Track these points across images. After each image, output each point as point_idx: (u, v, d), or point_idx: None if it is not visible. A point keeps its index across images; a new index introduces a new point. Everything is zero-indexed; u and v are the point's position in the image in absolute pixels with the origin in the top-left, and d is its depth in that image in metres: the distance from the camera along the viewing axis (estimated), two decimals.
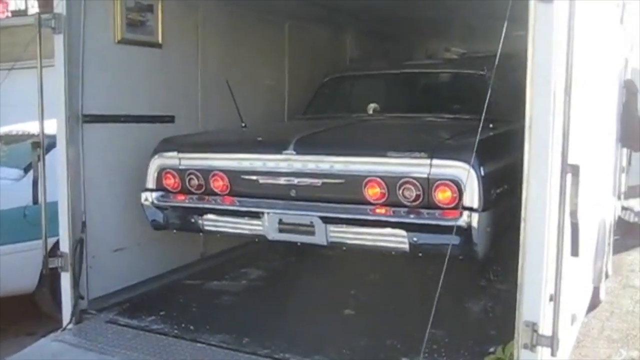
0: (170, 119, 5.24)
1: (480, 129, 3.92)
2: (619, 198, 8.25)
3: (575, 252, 3.09)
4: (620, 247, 8.19)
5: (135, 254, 5.04)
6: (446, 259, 3.29)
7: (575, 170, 2.97)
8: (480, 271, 5.16)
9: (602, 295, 6.38)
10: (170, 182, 4.57)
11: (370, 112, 5.52)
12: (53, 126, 4.42)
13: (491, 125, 4.25)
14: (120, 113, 4.84)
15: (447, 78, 5.91)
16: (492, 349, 3.92)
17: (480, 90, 5.12)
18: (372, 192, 3.88)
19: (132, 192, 4.82)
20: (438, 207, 3.74)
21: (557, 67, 2.95)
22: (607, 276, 6.80)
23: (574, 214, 3.02)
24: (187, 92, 5.48)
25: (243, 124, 5.14)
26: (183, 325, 4.38)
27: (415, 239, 3.83)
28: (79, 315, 4.44)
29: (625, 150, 7.83)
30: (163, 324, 4.42)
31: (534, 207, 3.03)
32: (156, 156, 4.61)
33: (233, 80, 5.30)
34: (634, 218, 9.74)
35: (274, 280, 5.53)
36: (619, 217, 8.75)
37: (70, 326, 4.36)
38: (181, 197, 4.55)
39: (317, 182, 4.04)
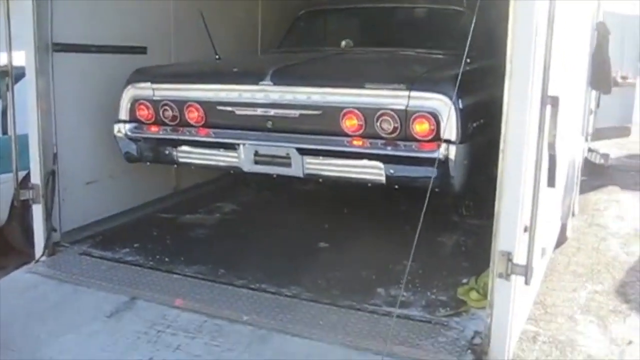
0: (142, 50, 5.12)
1: (462, 63, 3.95)
2: (587, 140, 8.38)
3: (552, 183, 3.13)
4: (586, 187, 8.36)
5: (108, 187, 4.99)
6: (428, 192, 3.28)
7: (554, 101, 2.98)
8: (453, 206, 5.21)
9: (569, 232, 6.53)
10: (143, 113, 4.48)
11: (344, 45, 5.45)
12: (23, 57, 4.29)
13: (468, 60, 4.23)
14: (92, 43, 4.70)
15: (424, 13, 5.83)
16: (465, 280, 4.00)
17: (457, 26, 5.12)
18: (349, 123, 3.86)
19: (105, 124, 4.73)
20: (415, 140, 3.74)
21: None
22: (573, 214, 6.95)
23: (552, 145, 3.05)
24: (160, 23, 5.34)
25: (217, 56, 5.04)
26: (158, 257, 4.38)
27: (391, 170, 3.84)
28: (51, 248, 4.41)
29: (594, 92, 7.90)
30: (138, 255, 4.41)
31: (512, 139, 3.04)
32: (129, 87, 4.51)
33: (206, 12, 5.16)
34: (599, 160, 9.93)
35: (248, 214, 5.53)
36: (586, 158, 8.91)
37: (43, 258, 4.33)
38: (155, 129, 4.48)
39: (294, 113, 4.00)
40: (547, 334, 4.49)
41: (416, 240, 3.29)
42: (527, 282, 3.15)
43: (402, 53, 5.02)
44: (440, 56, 4.72)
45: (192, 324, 3.49)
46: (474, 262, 4.32)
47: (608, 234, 6.95)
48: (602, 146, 10.34)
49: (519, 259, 3.14)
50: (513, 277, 3.15)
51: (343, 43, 5.45)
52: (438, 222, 5.18)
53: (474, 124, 3.87)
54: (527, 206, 3.11)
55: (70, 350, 3.34)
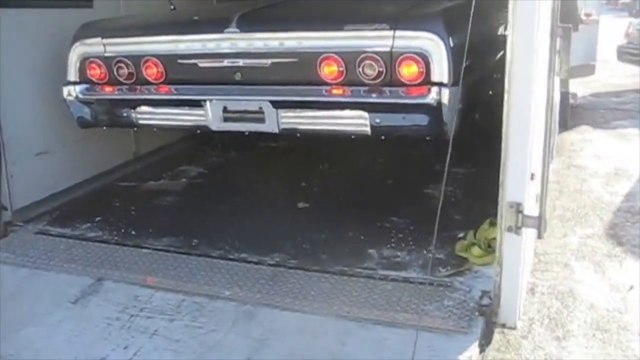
0: (88, 3, 4.63)
1: None
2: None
3: (564, 124, 2.82)
4: (559, 128, 8.17)
5: (61, 157, 4.56)
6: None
7: (566, 32, 2.66)
8: (437, 154, 4.90)
9: (550, 176, 6.31)
10: (95, 72, 4.02)
11: None
12: None
13: None
14: None
15: None
16: (461, 234, 3.72)
17: None
18: (329, 70, 3.47)
19: (53, 87, 4.26)
20: (402, 84, 3.38)
21: None
22: (552, 157, 6.73)
23: (564, 82, 2.73)
24: None
25: (172, 7, 4.58)
26: (123, 230, 4.01)
27: (377, 120, 3.49)
28: (3, 228, 4.03)
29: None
30: (101, 230, 4.04)
31: (519, 77, 2.72)
32: (77, 44, 4.03)
33: None
34: (572, 99, 9.75)
35: (217, 177, 5.14)
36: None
37: None
38: (109, 89, 4.02)
39: (265, 62, 3.59)
40: (545, 285, 4.24)
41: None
42: (540, 235, 2.88)
43: None
44: None
45: (168, 305, 3.15)
46: (467, 214, 4.06)
47: (588, 174, 6.74)
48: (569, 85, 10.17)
49: (530, 209, 2.86)
50: (524, 230, 2.86)
51: None
52: (422, 173, 4.90)
53: (464, 65, 3.52)
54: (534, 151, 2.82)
55: (32, 344, 2.95)
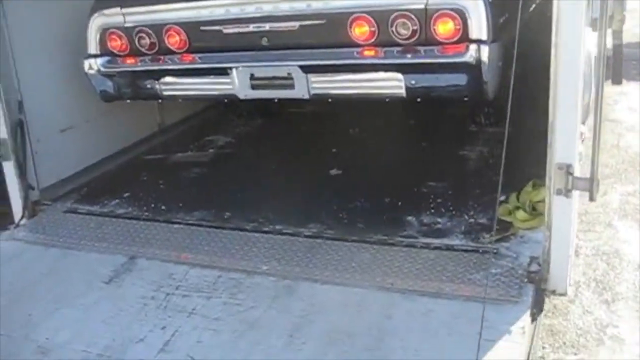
0: None
1: None
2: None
3: (618, 79, 2.65)
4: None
5: (86, 133, 4.46)
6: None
7: None
8: (471, 115, 4.73)
9: (586, 132, 6.10)
10: (116, 44, 3.89)
11: None
12: None
13: None
14: None
15: None
16: (502, 198, 3.56)
17: None
18: (360, 31, 3.31)
19: (73, 60, 4.14)
20: (439, 43, 3.21)
21: None
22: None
23: (617, 34, 2.56)
24: None
25: None
26: (153, 205, 3.91)
27: (413, 81, 3.32)
28: (31, 208, 3.95)
29: None
30: (130, 207, 3.94)
31: (567, 30, 2.54)
32: (95, 15, 3.89)
33: None
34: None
35: (245, 146, 5.00)
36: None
37: (23, 221, 3.87)
38: (132, 60, 3.89)
39: (293, 25, 3.43)
40: (589, 246, 4.10)
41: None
42: (592, 198, 2.72)
43: None
44: None
45: (204, 282, 3.05)
46: (507, 176, 3.86)
47: (624, 129, 6.51)
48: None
49: (581, 170, 2.70)
50: (574, 193, 2.71)
51: None
52: (456, 134, 4.75)
53: (502, 19, 3.34)
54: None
55: (67, 326, 2.87)
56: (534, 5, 5.10)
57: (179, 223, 3.61)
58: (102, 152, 4.60)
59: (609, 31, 2.52)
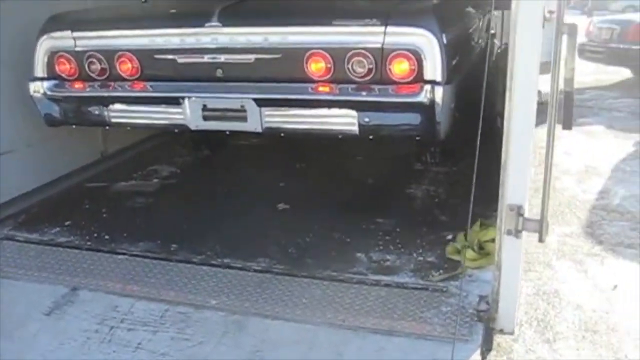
0: None
1: None
2: None
3: (568, 125, 2.75)
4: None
5: (26, 157, 4.31)
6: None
7: (572, 30, 2.57)
8: (417, 154, 4.81)
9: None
10: (64, 67, 3.80)
11: None
12: None
13: None
14: None
15: None
16: (449, 236, 3.62)
17: None
18: (316, 67, 3.34)
19: (16, 82, 4.03)
20: (393, 82, 3.27)
21: None
22: None
23: (569, 81, 2.66)
24: None
25: None
26: (96, 235, 3.78)
27: (366, 119, 3.36)
28: None
29: None
30: (72, 235, 3.80)
31: (521, 76, 2.63)
32: (44, 37, 3.80)
33: None
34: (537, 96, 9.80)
35: (190, 177, 4.93)
36: None
37: None
38: (80, 85, 3.81)
39: (249, 58, 3.43)
40: (530, 285, 4.19)
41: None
42: (541, 239, 2.78)
43: None
44: None
45: (151, 315, 2.96)
46: (453, 215, 3.98)
47: (560, 172, 6.74)
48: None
49: (530, 212, 2.77)
50: (524, 234, 2.77)
51: None
52: (402, 172, 4.82)
53: (455, 61, 3.43)
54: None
55: None
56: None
57: (124, 254, 3.50)
58: (41, 178, 4.45)
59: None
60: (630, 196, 5.71)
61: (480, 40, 4.84)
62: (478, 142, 2.64)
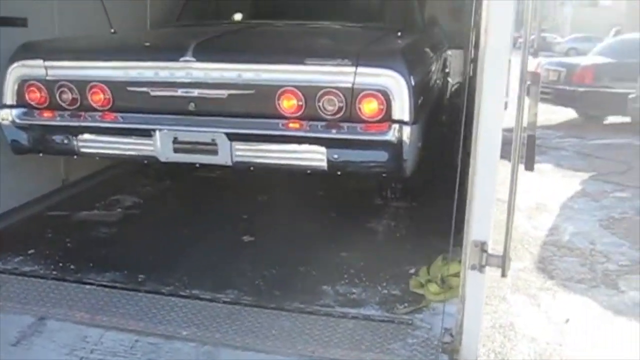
0: (22, 22, 4.35)
1: (400, 36, 3.63)
2: None
3: (530, 166, 2.90)
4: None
5: None
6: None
7: (535, 78, 2.74)
8: (377, 188, 4.93)
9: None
10: (35, 96, 3.80)
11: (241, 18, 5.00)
12: None
13: (399, 34, 3.95)
14: None
15: None
16: (412, 270, 3.73)
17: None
18: (288, 104, 3.44)
19: None
20: (362, 120, 3.39)
21: None
22: None
23: (532, 125, 2.82)
24: None
25: (112, 30, 4.39)
26: (61, 264, 3.75)
27: (335, 156, 3.47)
28: None
29: None
30: (36, 264, 3.75)
31: (487, 119, 2.77)
32: (15, 65, 3.80)
33: None
34: None
35: (153, 207, 4.93)
36: None
37: None
38: (50, 114, 3.81)
39: (222, 93, 3.51)
40: (487, 318, 4.32)
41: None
42: (504, 274, 2.91)
43: (326, 26, 4.62)
44: (368, 30, 4.38)
45: (121, 345, 2.95)
46: (415, 250, 4.09)
47: None
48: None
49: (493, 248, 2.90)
50: (488, 269, 2.90)
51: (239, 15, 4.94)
52: (363, 207, 4.92)
53: (421, 101, 3.58)
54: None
55: None
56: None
57: (91, 284, 3.48)
58: (1, 205, 4.40)
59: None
60: (579, 233, 5.96)
61: (437, 81, 5.02)
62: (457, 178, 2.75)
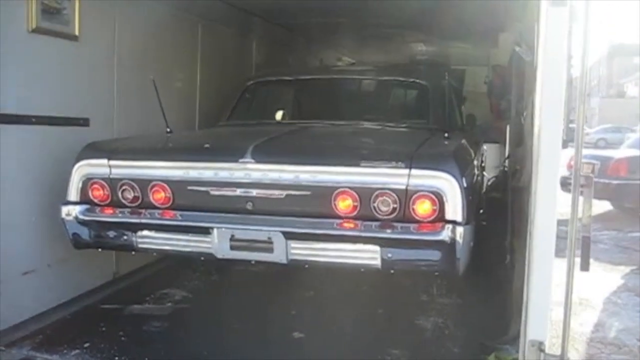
0: (85, 122, 4.61)
1: (450, 138, 3.77)
2: None
3: (585, 266, 2.95)
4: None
5: (45, 277, 4.39)
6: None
7: (589, 181, 2.83)
8: (424, 285, 4.97)
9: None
10: (98, 193, 3.97)
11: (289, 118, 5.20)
12: None
13: (446, 135, 4.10)
14: (31, 113, 4.16)
15: (386, 85, 5.67)
16: None
17: (422, 99, 5.02)
18: (343, 204, 3.54)
19: (44, 204, 4.23)
20: (416, 220, 3.48)
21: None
22: None
23: (586, 227, 2.89)
24: (103, 93, 4.85)
25: (168, 129, 4.60)
26: (117, 358, 3.83)
27: (389, 255, 3.53)
28: None
29: None
30: (93, 358, 3.83)
31: (541, 219, 2.86)
32: (81, 163, 3.99)
33: (145, 82, 4.69)
34: None
35: (202, 302, 5.00)
36: None
37: None
38: (111, 211, 3.96)
39: (279, 193, 3.63)
40: None
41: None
42: None
43: (374, 127, 4.80)
44: (416, 130, 4.54)
45: None
46: (464, 347, 4.09)
47: (554, 304, 6.89)
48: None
49: (551, 348, 2.93)
50: None
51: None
52: (409, 303, 4.93)
53: (470, 201, 3.67)
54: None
55: None
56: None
57: None
58: (57, 298, 4.52)
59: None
60: (625, 329, 5.85)
61: (478, 177, 5.13)
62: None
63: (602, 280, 7.66)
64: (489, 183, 7.04)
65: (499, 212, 5.35)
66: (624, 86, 55.72)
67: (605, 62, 59.37)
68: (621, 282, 7.58)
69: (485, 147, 6.52)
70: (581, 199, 2.84)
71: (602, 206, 12.40)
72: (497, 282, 4.78)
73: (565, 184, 10.76)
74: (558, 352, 2.92)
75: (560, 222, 2.95)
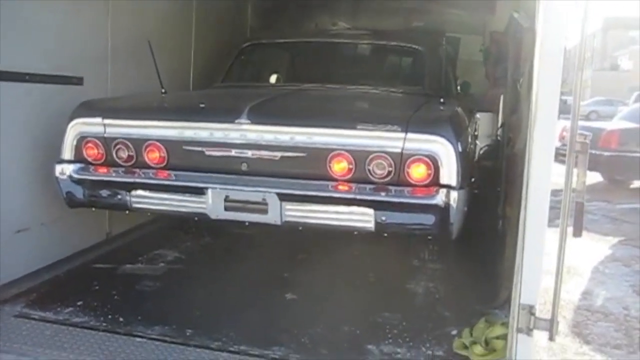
0: (79, 81, 4.57)
1: (445, 103, 3.77)
2: None
3: (578, 232, 2.98)
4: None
5: (39, 236, 4.40)
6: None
7: (584, 148, 2.84)
8: (415, 250, 5.00)
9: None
10: (92, 152, 3.95)
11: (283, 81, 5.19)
12: None
13: (441, 100, 4.10)
14: (24, 71, 4.12)
15: (383, 50, 5.64)
16: (454, 332, 3.78)
17: (418, 65, 5.00)
18: (339, 167, 3.55)
19: (39, 163, 4.22)
20: (410, 184, 3.49)
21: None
22: None
23: (580, 193, 2.91)
24: (97, 52, 4.81)
25: (163, 90, 4.57)
26: (110, 316, 3.84)
27: (383, 217, 3.55)
28: None
29: None
30: (86, 316, 3.84)
31: (536, 185, 2.88)
32: (75, 122, 3.96)
33: (140, 42, 4.65)
34: None
35: (195, 263, 5.03)
36: None
37: None
38: (105, 170, 3.95)
39: (274, 155, 3.63)
40: None
41: None
42: (551, 338, 2.96)
43: (370, 91, 4.79)
44: (413, 96, 4.53)
45: None
46: (455, 311, 4.13)
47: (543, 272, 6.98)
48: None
49: (540, 313, 2.97)
50: (536, 332, 2.95)
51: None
52: (400, 268, 4.97)
53: (465, 167, 3.69)
54: None
55: None
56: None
57: (141, 337, 3.55)
58: (50, 257, 4.53)
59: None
60: (612, 298, 5.95)
61: (471, 145, 5.14)
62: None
63: (590, 249, 7.75)
64: (481, 152, 7.05)
65: (491, 180, 5.37)
66: (617, 59, 55.63)
67: (599, 35, 59.17)
68: (609, 252, 7.68)
69: (478, 115, 6.52)
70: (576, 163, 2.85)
71: (592, 177, 12.48)
72: (488, 248, 4.82)
73: (557, 154, 10.80)
74: (547, 316, 2.95)
75: (553, 192, 2.97)
